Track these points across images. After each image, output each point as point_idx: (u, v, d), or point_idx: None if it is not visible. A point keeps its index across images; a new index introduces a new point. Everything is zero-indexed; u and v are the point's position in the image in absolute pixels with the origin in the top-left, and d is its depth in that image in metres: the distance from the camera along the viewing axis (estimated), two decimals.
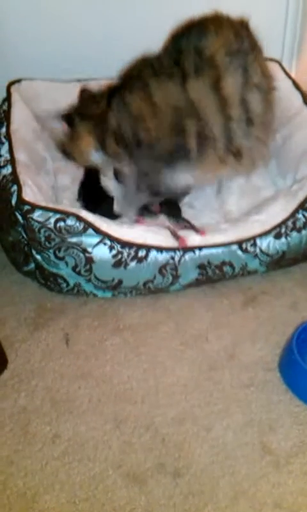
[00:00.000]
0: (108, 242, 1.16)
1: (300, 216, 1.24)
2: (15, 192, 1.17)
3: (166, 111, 1.25)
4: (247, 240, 1.22)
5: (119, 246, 1.17)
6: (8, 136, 1.32)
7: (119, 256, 1.17)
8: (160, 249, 1.19)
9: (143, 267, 1.19)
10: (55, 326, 1.22)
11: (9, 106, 1.43)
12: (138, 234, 1.19)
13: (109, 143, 1.31)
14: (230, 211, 1.42)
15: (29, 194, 1.17)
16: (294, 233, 1.24)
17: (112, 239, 1.16)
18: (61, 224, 1.14)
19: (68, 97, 1.41)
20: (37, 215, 1.14)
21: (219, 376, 1.13)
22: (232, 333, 1.21)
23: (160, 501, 0.95)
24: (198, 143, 1.28)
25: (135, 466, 1.00)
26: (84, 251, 1.16)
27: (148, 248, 1.18)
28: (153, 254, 1.19)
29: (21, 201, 1.15)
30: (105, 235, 1.16)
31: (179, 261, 1.21)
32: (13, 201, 1.17)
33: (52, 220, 1.14)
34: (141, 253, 1.18)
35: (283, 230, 1.23)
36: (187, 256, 1.21)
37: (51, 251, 1.16)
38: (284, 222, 1.23)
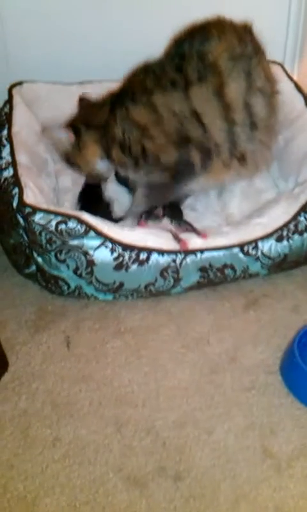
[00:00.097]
0: (109, 244, 1.16)
1: (302, 218, 1.24)
2: (16, 195, 1.17)
3: (169, 118, 1.25)
4: (249, 243, 1.22)
5: (120, 248, 1.17)
6: (10, 138, 1.33)
7: (121, 259, 1.17)
8: (161, 252, 1.19)
9: (144, 270, 1.19)
10: (56, 328, 1.22)
11: (11, 109, 1.43)
12: (139, 237, 1.19)
13: (114, 152, 1.31)
14: (232, 214, 1.42)
15: (31, 197, 1.17)
16: (296, 236, 1.24)
17: (114, 242, 1.16)
18: (63, 226, 1.14)
19: (70, 100, 1.42)
20: (38, 217, 1.14)
21: (220, 379, 1.13)
22: (233, 336, 1.21)
23: (161, 505, 0.95)
24: (202, 158, 1.28)
25: (136, 469, 1.00)
26: (86, 253, 1.16)
27: (150, 251, 1.18)
28: (154, 257, 1.18)
29: (22, 203, 1.15)
30: (106, 238, 1.16)
31: (180, 264, 1.20)
32: (14, 204, 1.17)
33: (54, 223, 1.14)
34: (143, 256, 1.18)
35: (285, 233, 1.23)
36: (189, 259, 1.20)
37: (52, 253, 1.16)
38: (286, 225, 1.23)
